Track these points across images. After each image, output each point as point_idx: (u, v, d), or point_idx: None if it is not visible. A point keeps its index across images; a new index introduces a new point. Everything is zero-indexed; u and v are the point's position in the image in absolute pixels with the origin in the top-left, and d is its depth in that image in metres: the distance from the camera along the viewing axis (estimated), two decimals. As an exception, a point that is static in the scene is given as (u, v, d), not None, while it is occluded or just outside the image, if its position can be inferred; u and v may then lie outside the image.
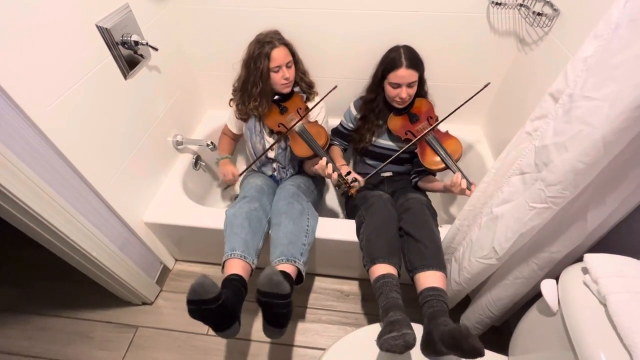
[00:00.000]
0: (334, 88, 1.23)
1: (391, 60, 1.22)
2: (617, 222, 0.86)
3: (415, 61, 1.21)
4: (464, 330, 0.78)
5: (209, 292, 0.86)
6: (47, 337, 1.42)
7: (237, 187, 1.38)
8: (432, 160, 1.26)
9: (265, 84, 1.26)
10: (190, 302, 0.86)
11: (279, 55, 1.21)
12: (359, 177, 1.24)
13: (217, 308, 0.87)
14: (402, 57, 1.20)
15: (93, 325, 1.45)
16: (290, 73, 1.26)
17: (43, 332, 1.44)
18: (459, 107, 1.21)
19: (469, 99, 1.21)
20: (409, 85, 1.22)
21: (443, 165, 1.23)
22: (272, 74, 1.25)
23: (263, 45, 1.21)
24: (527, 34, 1.29)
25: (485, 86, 1.21)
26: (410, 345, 0.80)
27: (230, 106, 1.41)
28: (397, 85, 1.22)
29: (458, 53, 1.42)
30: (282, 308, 0.91)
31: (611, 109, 0.60)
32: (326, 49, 1.47)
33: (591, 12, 0.98)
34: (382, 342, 0.82)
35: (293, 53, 1.28)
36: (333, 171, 1.17)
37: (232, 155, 1.50)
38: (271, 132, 1.37)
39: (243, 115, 1.36)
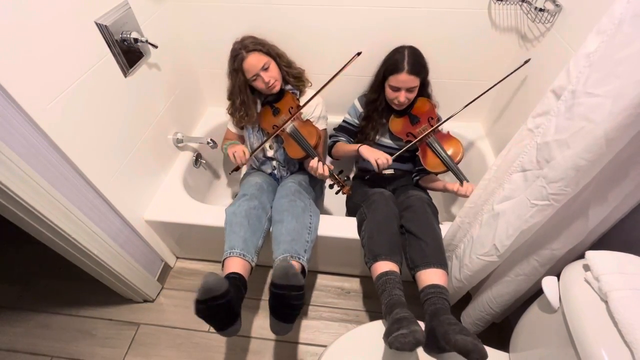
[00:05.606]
0: (358, 54, 1.14)
1: (394, 63, 1.20)
2: (619, 219, 0.86)
3: (418, 67, 1.19)
4: (470, 344, 0.76)
5: (220, 288, 0.88)
6: (49, 334, 1.43)
7: (243, 170, 1.38)
8: (433, 162, 1.25)
9: (246, 96, 1.28)
10: (200, 302, 0.88)
11: (250, 65, 1.21)
12: (387, 156, 1.18)
13: (226, 303, 0.89)
14: (404, 60, 1.17)
15: (95, 323, 1.45)
16: (269, 75, 1.24)
17: (45, 329, 1.44)
18: (469, 104, 1.20)
19: (499, 81, 1.20)
20: (409, 90, 1.20)
21: (444, 167, 1.23)
22: (253, 83, 1.25)
23: (234, 60, 1.22)
24: (529, 30, 1.28)
25: (526, 62, 1.19)
26: (420, 343, 0.79)
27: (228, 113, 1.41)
28: (397, 89, 1.21)
29: (458, 49, 1.41)
30: (296, 300, 0.92)
31: (614, 106, 0.60)
32: (325, 46, 1.46)
33: (594, 7, 0.98)
34: (392, 340, 0.81)
35: (268, 52, 1.25)
36: (326, 170, 1.17)
37: None
38: (269, 134, 1.37)
39: (238, 124, 1.40)
